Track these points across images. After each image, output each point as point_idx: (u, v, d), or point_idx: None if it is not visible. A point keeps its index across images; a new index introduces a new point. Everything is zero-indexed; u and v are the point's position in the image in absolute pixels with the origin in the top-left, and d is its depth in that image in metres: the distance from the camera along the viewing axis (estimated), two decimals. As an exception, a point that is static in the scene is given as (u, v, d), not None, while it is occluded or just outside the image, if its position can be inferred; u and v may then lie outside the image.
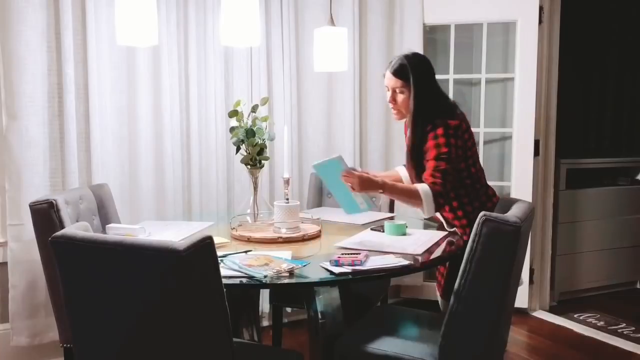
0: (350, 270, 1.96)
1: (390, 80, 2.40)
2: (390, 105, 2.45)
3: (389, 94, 2.43)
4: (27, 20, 2.89)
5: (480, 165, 2.51)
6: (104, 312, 1.68)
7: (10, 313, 2.96)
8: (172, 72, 3.28)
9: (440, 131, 2.30)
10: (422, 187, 2.28)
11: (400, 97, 2.39)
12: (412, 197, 2.30)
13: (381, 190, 2.32)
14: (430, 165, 2.31)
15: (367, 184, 2.28)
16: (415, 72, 2.36)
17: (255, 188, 2.66)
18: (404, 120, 2.52)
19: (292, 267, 1.94)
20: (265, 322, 3.58)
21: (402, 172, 2.70)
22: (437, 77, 3.99)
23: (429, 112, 2.36)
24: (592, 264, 4.35)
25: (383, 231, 2.52)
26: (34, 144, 2.94)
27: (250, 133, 2.55)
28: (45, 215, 2.29)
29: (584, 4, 4.49)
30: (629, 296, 4.45)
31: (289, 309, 3.58)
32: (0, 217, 3.04)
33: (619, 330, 3.71)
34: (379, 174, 2.58)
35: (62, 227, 2.23)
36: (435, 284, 2.75)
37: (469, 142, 2.40)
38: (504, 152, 4.06)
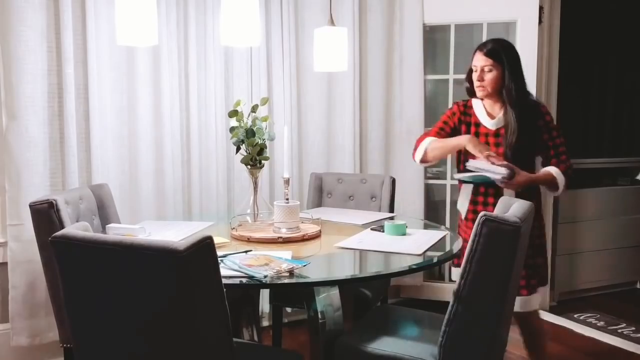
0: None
1: (480, 60, 2.61)
2: (477, 83, 2.64)
3: (476, 73, 2.63)
4: (27, 20, 2.89)
5: None
6: (103, 312, 1.68)
7: (10, 313, 2.96)
8: (172, 72, 3.28)
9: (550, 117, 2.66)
10: (557, 172, 2.63)
11: (488, 75, 2.60)
12: (549, 183, 2.64)
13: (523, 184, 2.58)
14: (561, 150, 2.65)
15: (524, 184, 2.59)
16: (507, 53, 2.60)
17: (255, 188, 2.66)
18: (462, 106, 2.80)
19: (292, 267, 1.94)
20: (265, 322, 3.58)
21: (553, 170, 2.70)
22: (437, 77, 4.07)
23: (522, 94, 2.62)
24: (592, 264, 4.35)
25: (383, 231, 2.52)
26: (34, 144, 2.94)
27: (250, 133, 2.55)
28: (45, 215, 2.29)
29: (584, 4, 4.49)
30: (629, 296, 4.45)
31: (289, 309, 3.58)
32: (0, 217, 3.04)
33: (619, 330, 3.71)
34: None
35: (62, 227, 2.23)
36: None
37: None
38: (504, 152, 4.05)
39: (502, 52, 2.58)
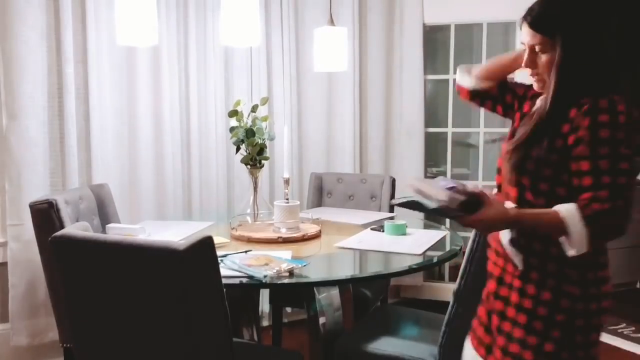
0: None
1: (526, 35, 1.54)
2: (528, 71, 1.60)
3: (525, 55, 1.57)
4: (27, 20, 2.88)
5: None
6: (103, 311, 1.68)
7: (10, 313, 2.96)
8: (172, 72, 3.27)
9: (604, 117, 1.41)
10: (569, 212, 1.39)
11: (542, 58, 1.52)
12: (552, 227, 1.42)
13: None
14: (605, 181, 1.39)
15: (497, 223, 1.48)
16: (566, 17, 1.49)
17: (255, 188, 2.66)
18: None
19: (292, 267, 1.94)
20: (265, 322, 3.57)
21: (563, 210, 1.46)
22: (437, 77, 4.06)
23: (581, 85, 1.48)
24: (592, 264, 4.34)
25: (383, 231, 2.52)
26: (34, 144, 2.94)
27: (250, 133, 2.55)
28: (45, 215, 2.29)
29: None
30: (629, 296, 4.44)
31: (289, 309, 3.58)
32: (0, 217, 3.03)
33: (619, 330, 3.71)
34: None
35: (62, 227, 2.23)
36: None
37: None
38: (504, 152, 4.05)
39: (556, 18, 1.49)
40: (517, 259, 1.51)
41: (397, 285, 4.02)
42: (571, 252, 1.41)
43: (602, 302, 1.48)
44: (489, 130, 3.96)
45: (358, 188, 3.35)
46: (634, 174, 1.44)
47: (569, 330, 1.46)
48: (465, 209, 1.46)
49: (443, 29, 3.96)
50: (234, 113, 2.59)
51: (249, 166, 2.63)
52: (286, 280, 1.90)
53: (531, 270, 1.49)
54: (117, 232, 2.37)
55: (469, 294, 1.92)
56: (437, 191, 1.47)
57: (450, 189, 1.48)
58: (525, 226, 1.49)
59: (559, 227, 1.40)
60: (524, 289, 1.49)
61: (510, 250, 1.52)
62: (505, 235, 1.54)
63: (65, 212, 2.33)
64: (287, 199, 2.56)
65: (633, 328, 3.75)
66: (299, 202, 2.56)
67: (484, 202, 1.46)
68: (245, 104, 2.69)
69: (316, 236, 2.49)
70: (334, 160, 3.78)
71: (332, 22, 2.93)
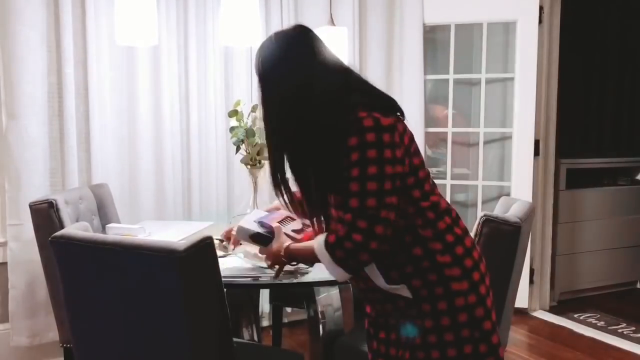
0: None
1: None
2: None
3: None
4: (26, 20, 2.88)
5: (437, 192, 1.58)
6: (103, 311, 1.68)
7: (10, 313, 2.96)
8: (172, 72, 3.27)
9: (354, 141, 1.43)
10: (318, 242, 1.50)
11: None
12: (312, 258, 1.55)
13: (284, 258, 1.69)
14: (352, 203, 1.43)
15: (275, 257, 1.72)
16: (264, 71, 1.62)
17: (255, 188, 2.66)
18: None
19: (297, 267, 1.93)
20: (265, 322, 3.57)
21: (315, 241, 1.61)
22: (437, 77, 4.06)
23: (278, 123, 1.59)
24: (592, 264, 4.35)
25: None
26: (34, 144, 2.94)
27: (250, 133, 2.55)
28: (45, 215, 2.29)
29: (584, 3, 4.49)
30: (629, 296, 4.45)
31: (289, 309, 3.58)
32: (0, 217, 3.03)
33: (619, 330, 3.71)
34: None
35: (62, 227, 2.23)
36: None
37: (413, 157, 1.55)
38: (504, 152, 4.06)
39: (259, 67, 1.63)
40: (403, 292, 1.50)
41: (397, 285, 4.01)
42: (337, 278, 1.51)
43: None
44: (489, 130, 3.96)
45: (358, 188, 3.34)
46: (388, 192, 1.42)
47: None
48: (260, 241, 1.76)
49: (443, 29, 3.96)
50: (234, 113, 2.59)
51: (249, 166, 2.62)
52: (286, 280, 1.90)
53: (420, 291, 1.49)
54: (116, 232, 2.37)
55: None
56: (243, 222, 1.81)
57: (259, 222, 1.82)
58: (300, 258, 1.67)
59: (316, 257, 1.50)
60: (421, 309, 1.49)
61: (389, 288, 1.51)
62: (379, 280, 1.52)
63: (65, 212, 2.33)
64: (287, 199, 2.55)
65: (633, 328, 3.75)
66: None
67: (276, 238, 1.71)
68: (245, 104, 2.69)
69: (316, 236, 2.48)
70: (334, 160, 3.77)
71: (332, 22, 2.94)
